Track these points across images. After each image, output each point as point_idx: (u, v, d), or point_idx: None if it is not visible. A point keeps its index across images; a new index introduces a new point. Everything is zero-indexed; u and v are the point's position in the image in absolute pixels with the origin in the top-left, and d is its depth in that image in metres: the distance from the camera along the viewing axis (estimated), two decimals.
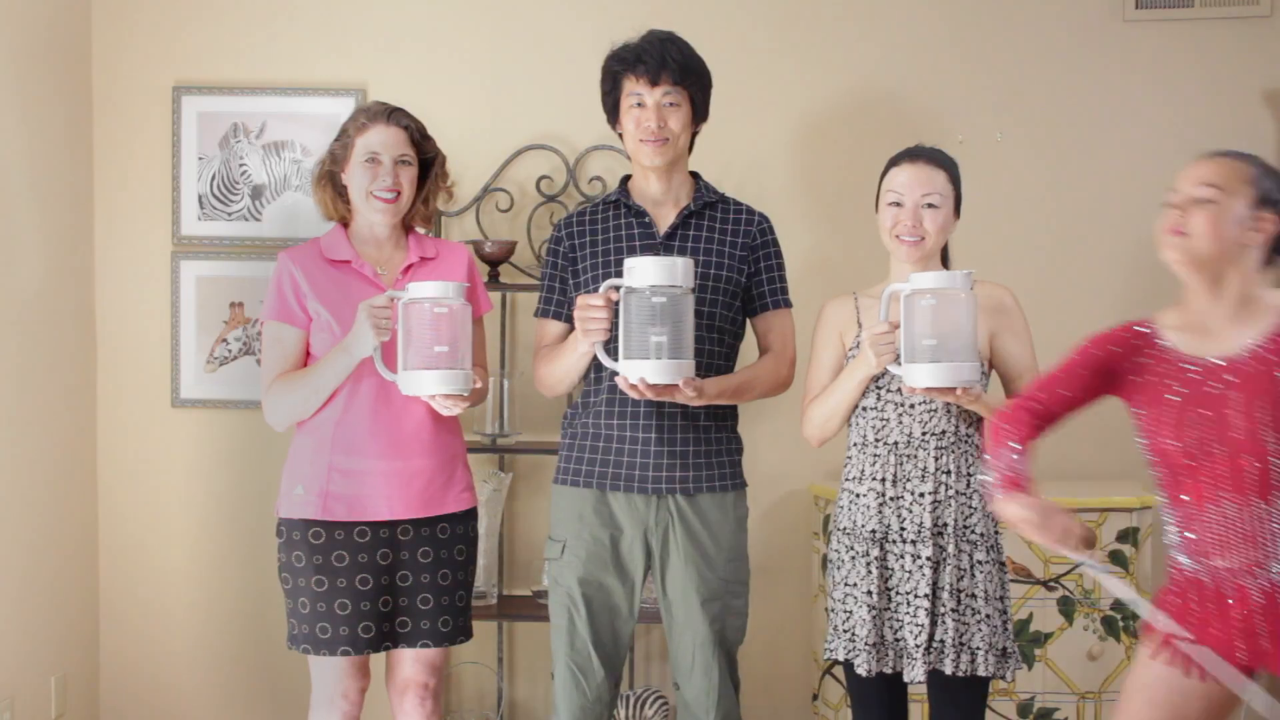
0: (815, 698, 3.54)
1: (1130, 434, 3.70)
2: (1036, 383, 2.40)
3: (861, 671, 2.61)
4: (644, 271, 2.50)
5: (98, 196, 3.71)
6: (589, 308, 2.58)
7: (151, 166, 3.70)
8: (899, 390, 2.64)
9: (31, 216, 3.39)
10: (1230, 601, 2.20)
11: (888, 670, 2.62)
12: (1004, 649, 2.62)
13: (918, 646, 2.57)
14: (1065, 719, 3.31)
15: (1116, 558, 3.30)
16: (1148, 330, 2.33)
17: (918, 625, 2.57)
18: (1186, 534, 2.25)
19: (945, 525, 2.60)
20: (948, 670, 2.57)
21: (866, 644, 2.60)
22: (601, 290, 2.58)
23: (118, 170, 3.71)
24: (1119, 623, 3.30)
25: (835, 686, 3.37)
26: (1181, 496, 2.24)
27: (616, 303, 2.57)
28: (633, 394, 2.58)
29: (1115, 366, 2.34)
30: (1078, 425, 3.67)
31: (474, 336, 2.78)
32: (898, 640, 2.61)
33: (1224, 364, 2.23)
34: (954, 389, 2.49)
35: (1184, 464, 2.23)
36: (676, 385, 2.54)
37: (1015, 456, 2.31)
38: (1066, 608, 3.30)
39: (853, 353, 2.71)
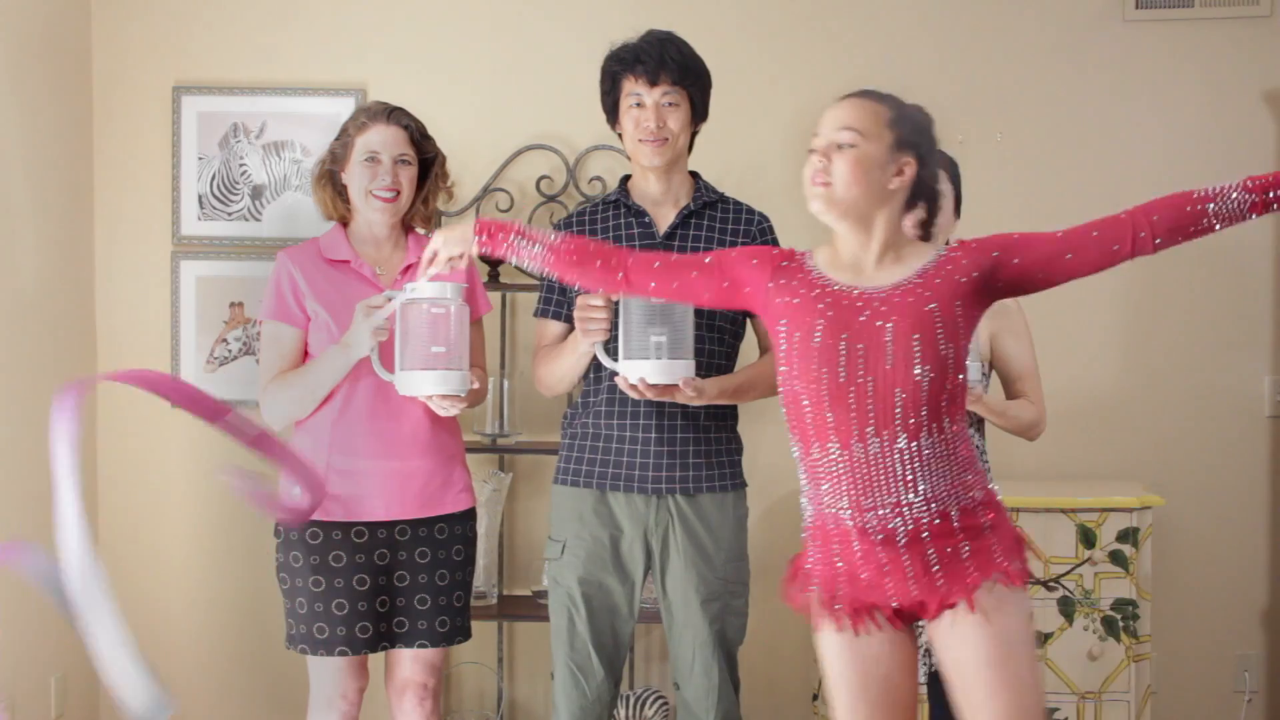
0: (815, 698, 3.53)
1: (1130, 434, 3.73)
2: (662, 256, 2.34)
3: None
4: None
5: (98, 196, 3.71)
6: (589, 307, 2.58)
7: (151, 166, 3.70)
8: None
9: (31, 216, 3.38)
10: (878, 548, 2.11)
11: None
12: None
13: (919, 647, 2.56)
14: (1065, 719, 3.31)
15: (1116, 557, 3.29)
16: (798, 256, 2.26)
17: (919, 626, 2.56)
18: (822, 485, 2.16)
19: None
20: None
21: None
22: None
23: (118, 170, 3.71)
24: (1119, 623, 3.29)
25: None
26: (828, 436, 2.13)
27: (616, 302, 2.57)
28: (632, 394, 2.58)
29: (749, 277, 2.24)
30: (1077, 425, 3.68)
31: (473, 338, 2.78)
32: None
33: (877, 294, 2.14)
34: None
35: (829, 394, 2.12)
36: (676, 385, 2.54)
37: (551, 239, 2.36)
38: (1066, 608, 3.30)
39: None
